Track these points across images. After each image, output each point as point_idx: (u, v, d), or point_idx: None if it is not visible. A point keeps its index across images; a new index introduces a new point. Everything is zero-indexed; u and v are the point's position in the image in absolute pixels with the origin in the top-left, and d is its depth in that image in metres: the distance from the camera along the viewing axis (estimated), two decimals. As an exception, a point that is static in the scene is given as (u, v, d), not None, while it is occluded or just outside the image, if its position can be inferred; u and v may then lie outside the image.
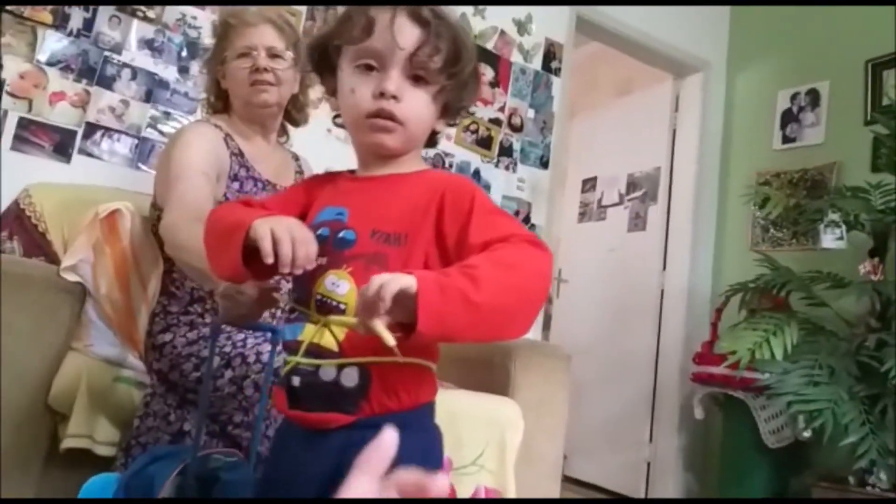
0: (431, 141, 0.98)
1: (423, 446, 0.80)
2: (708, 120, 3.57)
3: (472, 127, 2.92)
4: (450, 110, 0.93)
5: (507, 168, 3.02)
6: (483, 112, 2.95)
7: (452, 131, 2.84)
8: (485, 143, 2.96)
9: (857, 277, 2.51)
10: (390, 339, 0.67)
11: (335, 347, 0.81)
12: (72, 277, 1.53)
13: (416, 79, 0.86)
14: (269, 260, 0.78)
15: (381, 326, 0.67)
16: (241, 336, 1.40)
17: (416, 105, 0.87)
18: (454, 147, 2.86)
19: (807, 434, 2.40)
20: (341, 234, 0.86)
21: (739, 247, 3.36)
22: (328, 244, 0.86)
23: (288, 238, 0.78)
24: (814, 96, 3.21)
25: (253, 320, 1.05)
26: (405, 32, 0.84)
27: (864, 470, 2.30)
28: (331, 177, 0.98)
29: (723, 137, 3.61)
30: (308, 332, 0.83)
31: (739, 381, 2.66)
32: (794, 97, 3.29)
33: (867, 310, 2.57)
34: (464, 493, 1.72)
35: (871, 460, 2.23)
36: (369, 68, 0.86)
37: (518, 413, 1.90)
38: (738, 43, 3.67)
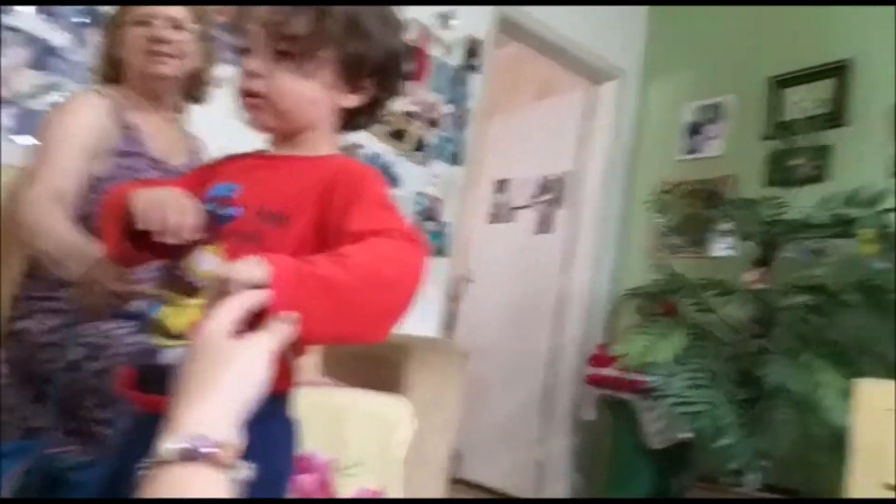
0: (355, 123, 0.94)
1: (270, 436, 0.77)
2: (619, 128, 3.66)
3: (387, 118, 2.88)
4: (354, 80, 0.88)
5: (420, 163, 3.01)
6: (398, 104, 2.92)
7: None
8: (399, 135, 2.93)
9: (743, 286, 2.63)
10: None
11: (186, 330, 0.78)
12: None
13: (283, 54, 0.84)
14: (142, 226, 0.78)
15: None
16: (110, 325, 1.32)
17: (281, 80, 0.84)
18: (366, 138, 2.82)
19: (687, 435, 2.50)
20: (225, 210, 0.84)
21: (639, 252, 3.47)
22: (212, 218, 0.84)
23: (166, 205, 0.78)
24: (718, 110, 3.35)
25: (106, 313, 1.00)
26: (258, 9, 0.84)
27: (739, 471, 2.42)
28: (239, 156, 0.96)
29: (632, 145, 3.71)
30: (166, 313, 0.81)
31: (629, 383, 2.75)
32: (699, 109, 3.42)
33: (751, 317, 2.70)
34: (346, 494, 1.70)
35: (745, 462, 2.35)
36: (245, 51, 0.86)
37: (408, 411, 1.89)
38: (652, 54, 3.77)
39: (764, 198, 2.73)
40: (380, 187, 0.84)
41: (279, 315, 0.63)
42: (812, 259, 2.61)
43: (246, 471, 0.53)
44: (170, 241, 0.80)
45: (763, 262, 2.66)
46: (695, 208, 3.07)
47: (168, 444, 0.51)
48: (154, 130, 1.54)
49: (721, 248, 2.70)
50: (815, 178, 2.83)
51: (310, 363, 2.16)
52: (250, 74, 0.84)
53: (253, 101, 0.85)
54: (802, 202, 2.62)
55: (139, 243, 0.85)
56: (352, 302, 0.67)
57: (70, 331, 1.16)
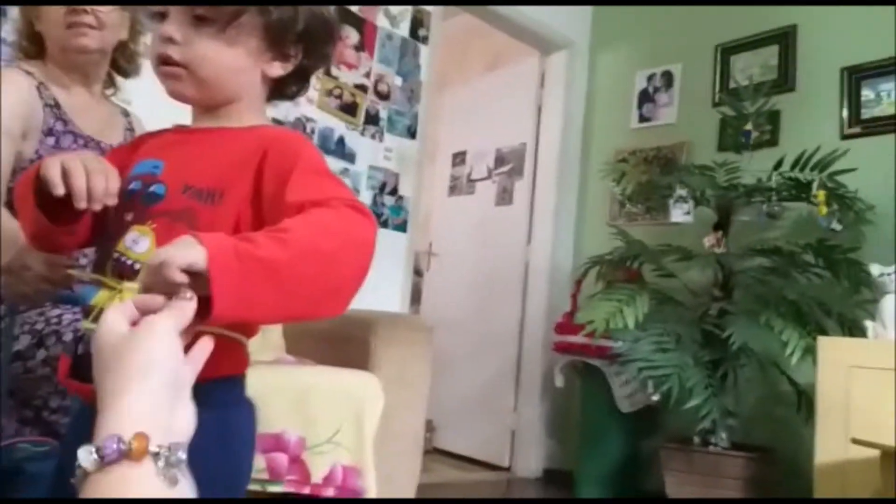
0: (283, 92, 0.89)
1: (227, 421, 0.74)
2: (571, 97, 3.66)
3: (336, 91, 2.80)
4: (280, 47, 0.83)
5: (373, 137, 2.94)
6: (348, 77, 2.84)
7: (314, 94, 2.71)
8: (350, 109, 2.85)
9: (702, 250, 2.66)
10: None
11: None
12: None
13: (202, 20, 0.78)
14: (58, 191, 0.73)
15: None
16: (57, 311, 1.24)
17: (200, 46, 0.78)
18: (316, 112, 2.73)
19: (655, 398, 2.53)
20: (151, 188, 0.78)
21: (599, 221, 3.49)
22: (137, 198, 0.78)
23: (81, 168, 0.73)
24: (668, 78, 3.37)
25: (41, 301, 0.93)
26: None
27: (707, 430, 2.46)
28: (160, 132, 0.89)
29: (585, 115, 3.71)
30: (101, 297, 0.74)
31: (596, 349, 2.77)
32: (650, 78, 3.44)
33: (711, 281, 2.74)
34: (319, 471, 1.65)
35: (713, 421, 2.39)
36: (161, 16, 0.80)
37: (377, 387, 1.85)
38: (600, 23, 3.77)
39: (718, 163, 2.76)
40: (315, 154, 0.79)
41: (180, 293, 0.59)
42: (768, 222, 2.66)
43: (177, 455, 0.50)
44: (93, 207, 0.75)
45: (720, 226, 2.69)
46: (650, 175, 3.09)
47: (82, 454, 0.49)
48: (82, 107, 1.45)
49: (679, 214, 2.71)
50: (767, 143, 2.88)
51: (271, 342, 2.09)
52: (166, 41, 0.78)
53: (170, 69, 0.79)
54: (756, 167, 2.66)
55: (56, 218, 0.79)
56: (294, 279, 0.63)
57: (13, 318, 1.07)
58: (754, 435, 2.63)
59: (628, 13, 3.65)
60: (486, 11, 3.39)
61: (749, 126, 2.74)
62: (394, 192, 3.00)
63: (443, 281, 3.95)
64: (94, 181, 0.74)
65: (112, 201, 0.77)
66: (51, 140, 1.36)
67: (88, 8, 1.36)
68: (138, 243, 0.75)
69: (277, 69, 0.85)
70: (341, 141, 2.81)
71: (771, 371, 2.55)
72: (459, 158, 4.09)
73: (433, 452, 3.54)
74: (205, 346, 0.62)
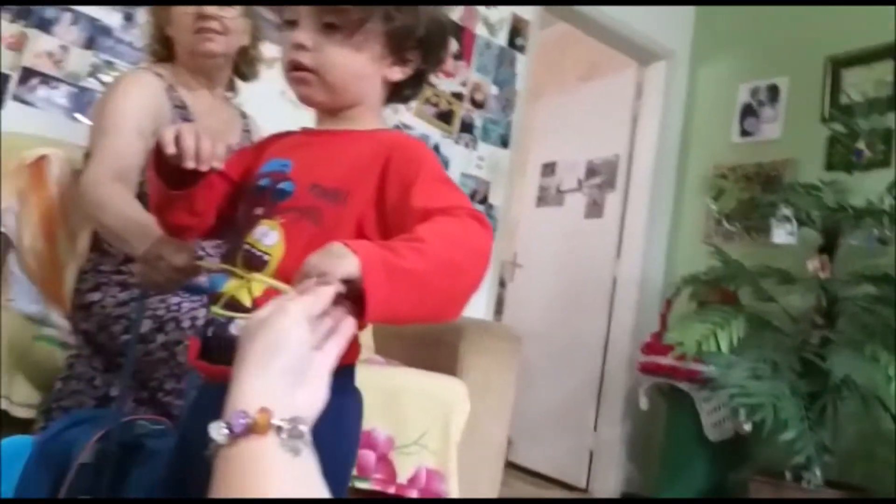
0: (400, 96, 0.93)
1: (335, 406, 0.77)
2: (669, 109, 3.57)
3: (434, 100, 2.85)
4: (400, 52, 0.86)
5: (466, 145, 2.97)
6: (445, 85, 2.88)
7: (413, 103, 2.76)
8: (445, 117, 2.89)
9: (805, 274, 2.54)
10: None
11: (249, 303, 0.78)
12: (-8, 227, 1.42)
13: (331, 27, 0.82)
14: (169, 150, 0.80)
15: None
16: (177, 299, 1.32)
17: (330, 52, 0.82)
18: (414, 119, 2.79)
19: (747, 428, 2.43)
20: (280, 185, 0.83)
21: (693, 238, 3.38)
22: (267, 194, 0.83)
23: (192, 133, 0.80)
24: (773, 91, 3.23)
25: (170, 289, 1.00)
26: None
27: (800, 466, 2.33)
28: (288, 133, 0.95)
29: (683, 128, 3.61)
30: (231, 286, 0.80)
31: (685, 372, 2.68)
32: (754, 91, 3.31)
33: (813, 307, 2.61)
34: (405, 472, 1.68)
35: (808, 456, 2.26)
36: (291, 24, 0.84)
37: (464, 394, 1.87)
38: (702, 34, 3.67)
39: (825, 183, 2.63)
40: (436, 162, 0.83)
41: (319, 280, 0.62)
42: (878, 247, 2.51)
43: (298, 428, 0.52)
44: (200, 167, 0.81)
45: (826, 249, 2.56)
46: (752, 193, 2.97)
47: (213, 429, 0.52)
48: (206, 108, 1.53)
49: (781, 234, 2.60)
50: (880, 163, 2.72)
51: (361, 342, 2.14)
52: (297, 47, 0.82)
53: (300, 74, 0.83)
54: (867, 188, 2.52)
55: (174, 183, 0.85)
56: (431, 290, 0.68)
57: (139, 304, 1.14)
58: (851, 473, 2.48)
59: (732, 23, 3.53)
60: (585, 20, 3.36)
61: (861, 145, 2.61)
62: (484, 200, 3.02)
63: (526, 292, 3.92)
64: (203, 144, 0.81)
65: (218, 165, 0.84)
66: None
67: (216, 14, 1.44)
68: (267, 236, 0.80)
69: (397, 73, 0.88)
70: (436, 148, 2.85)
71: (874, 406, 2.39)
72: (549, 169, 4.06)
73: (507, 466, 3.50)
74: (348, 328, 0.64)
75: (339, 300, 0.63)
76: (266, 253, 0.79)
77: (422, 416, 1.72)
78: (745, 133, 3.30)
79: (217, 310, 0.80)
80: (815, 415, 2.32)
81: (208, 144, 0.81)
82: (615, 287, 3.50)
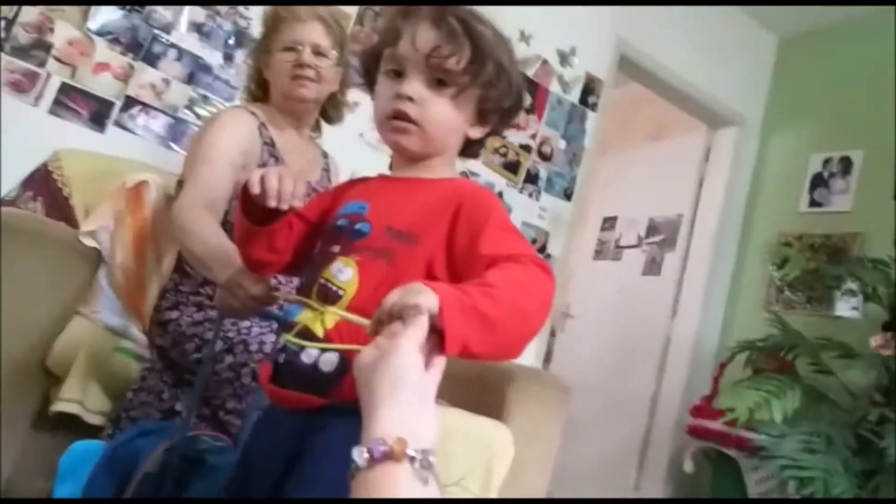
0: (471, 150, 0.99)
1: None
2: (736, 174, 3.56)
3: (502, 150, 2.94)
4: (485, 115, 0.93)
5: (530, 195, 3.03)
6: (515, 137, 2.97)
7: (482, 152, 2.85)
8: (512, 167, 2.97)
9: (868, 350, 2.48)
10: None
11: (321, 333, 0.83)
12: (90, 242, 1.55)
13: (438, 82, 0.88)
14: (255, 190, 0.87)
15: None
16: (247, 323, 1.40)
17: (434, 107, 0.88)
18: (481, 167, 2.88)
19: (795, 501, 2.36)
20: (357, 226, 0.89)
21: (752, 305, 3.33)
22: (344, 234, 0.90)
23: (275, 174, 0.87)
24: (846, 164, 3.20)
25: (246, 316, 1.07)
26: (422, 36, 0.87)
27: (851, 545, 2.25)
28: (366, 179, 1.01)
29: (749, 193, 3.59)
30: (305, 316, 0.86)
31: (735, 439, 2.63)
32: (826, 162, 3.28)
33: (873, 383, 2.53)
34: (444, 511, 1.70)
35: (859, 536, 2.19)
36: (396, 74, 0.90)
37: (509, 439, 1.88)
38: (776, 102, 3.66)
39: (894, 259, 2.57)
40: (504, 211, 0.87)
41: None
42: (945, 329, 2.43)
43: (429, 459, 0.56)
44: (281, 206, 0.89)
45: (891, 326, 2.49)
46: (817, 263, 2.92)
47: (355, 454, 0.56)
48: (293, 147, 1.63)
49: (845, 308, 2.55)
50: (953, 245, 2.65)
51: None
52: (405, 98, 0.88)
53: (403, 124, 0.88)
54: (938, 268, 2.46)
55: (257, 220, 0.93)
56: (499, 330, 0.70)
57: (216, 325, 1.23)
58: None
59: (807, 93, 3.52)
60: (657, 82, 3.42)
61: (936, 224, 2.55)
62: (542, 249, 3.06)
63: (576, 343, 3.91)
64: (285, 185, 0.88)
65: (298, 203, 0.91)
66: None
67: (312, 63, 1.55)
68: (343, 272, 0.85)
69: (478, 132, 0.95)
70: (500, 196, 2.93)
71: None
72: (609, 223, 4.08)
73: (547, 518, 3.47)
74: (441, 361, 0.67)
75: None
76: (341, 288, 0.84)
77: (465, 458, 1.74)
78: (813, 203, 3.27)
79: (290, 338, 0.86)
80: (869, 493, 2.25)
81: (290, 186, 0.88)
82: (668, 346, 3.47)
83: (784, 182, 3.45)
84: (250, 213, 0.93)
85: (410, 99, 0.87)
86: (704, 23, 3.52)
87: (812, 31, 3.60)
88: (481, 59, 0.88)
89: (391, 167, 0.98)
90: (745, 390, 2.48)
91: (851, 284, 2.55)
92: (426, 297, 0.65)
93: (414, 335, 0.63)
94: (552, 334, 3.78)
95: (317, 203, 1.02)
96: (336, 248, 0.88)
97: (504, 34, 0.93)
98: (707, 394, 2.99)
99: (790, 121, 3.57)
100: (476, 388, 2.09)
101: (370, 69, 0.96)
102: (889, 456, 2.14)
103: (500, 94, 0.92)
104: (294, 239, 0.98)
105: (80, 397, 1.48)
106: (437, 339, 0.65)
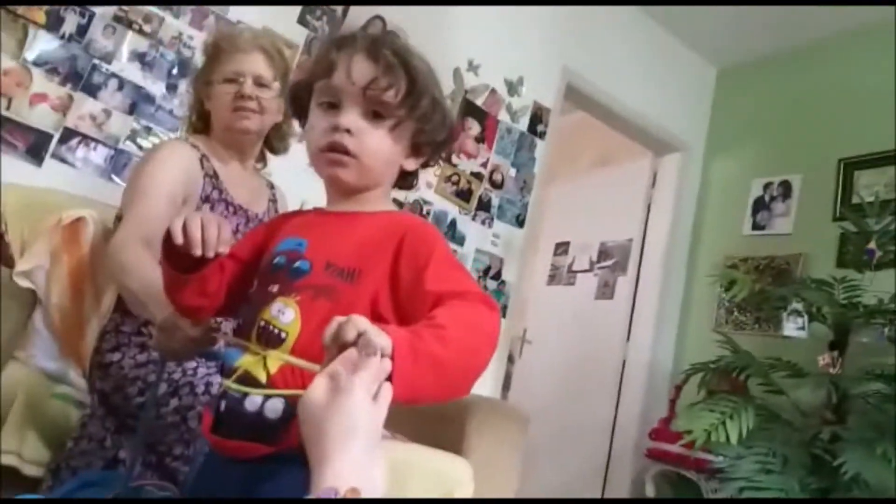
0: (406, 182, 0.98)
1: None
2: (682, 199, 3.65)
3: (454, 178, 2.94)
4: (420, 148, 0.94)
5: (483, 222, 3.03)
6: (466, 165, 2.98)
7: (433, 179, 2.85)
8: (464, 195, 2.97)
9: (816, 369, 2.54)
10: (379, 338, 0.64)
11: (264, 379, 0.80)
12: (24, 283, 1.47)
13: (375, 114, 0.87)
14: (178, 240, 0.83)
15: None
16: (193, 364, 1.35)
17: (372, 139, 0.87)
18: (433, 196, 2.87)
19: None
20: (296, 264, 0.86)
21: (703, 326, 3.39)
22: (283, 273, 0.87)
23: (198, 221, 0.83)
24: (786, 187, 3.31)
25: (186, 358, 1.03)
26: (358, 68, 0.87)
27: (808, 565, 2.28)
28: (300, 212, 1.00)
29: (695, 217, 3.69)
30: (246, 361, 0.82)
31: (694, 461, 2.65)
32: (766, 186, 3.39)
33: (823, 402, 2.59)
34: (404, 551, 1.65)
35: (817, 555, 2.21)
36: (331, 106, 0.89)
37: (469, 472, 1.85)
38: (717, 129, 3.79)
39: (836, 279, 2.65)
40: (446, 246, 0.86)
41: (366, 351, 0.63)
42: (888, 346, 2.51)
43: None
44: (207, 254, 0.84)
45: (836, 345, 2.57)
46: (763, 284, 3.00)
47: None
48: (237, 179, 1.59)
49: (792, 328, 2.61)
50: (891, 263, 2.74)
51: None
52: (342, 130, 0.86)
53: (339, 157, 0.87)
54: (878, 287, 2.54)
55: (182, 268, 0.88)
56: (450, 372, 0.69)
57: (159, 367, 1.17)
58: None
59: (747, 120, 3.65)
60: (602, 110, 3.49)
61: (872, 244, 2.64)
62: (497, 276, 3.06)
63: (534, 369, 3.91)
64: (209, 232, 0.84)
65: (224, 250, 0.86)
66: (206, 206, 1.49)
67: (254, 94, 1.52)
68: (284, 313, 0.82)
69: (412, 164, 0.95)
70: (453, 224, 2.92)
71: (885, 506, 2.35)
72: (562, 249, 4.12)
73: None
74: (387, 393, 0.65)
75: None
76: (283, 330, 0.81)
77: (423, 494, 1.71)
78: (756, 226, 3.37)
79: (231, 384, 0.82)
80: (826, 513, 2.28)
81: (214, 231, 0.84)
82: (624, 369, 3.50)
83: (728, 206, 3.55)
84: (175, 261, 0.88)
85: (348, 131, 0.86)
86: (647, 54, 3.62)
87: (748, 62, 3.75)
88: (417, 92, 0.88)
89: (328, 201, 0.95)
90: (701, 412, 2.50)
91: (797, 305, 2.61)
92: (384, 339, 0.63)
93: (368, 379, 0.61)
94: (510, 360, 3.78)
95: (249, 240, 0.99)
96: (275, 288, 0.85)
97: (434, 69, 0.93)
98: (664, 416, 3.01)
99: (731, 147, 3.69)
100: (434, 422, 2.06)
101: (301, 100, 0.95)
102: (843, 473, 2.18)
103: (435, 127, 0.92)
104: (227, 280, 0.95)
105: (16, 448, 1.39)
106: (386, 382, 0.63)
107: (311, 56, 2.54)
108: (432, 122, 0.91)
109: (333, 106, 0.88)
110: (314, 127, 0.90)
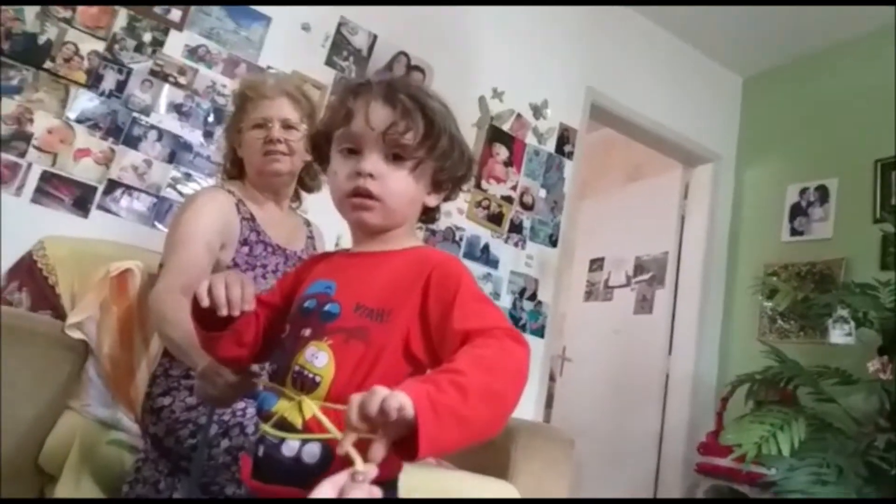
0: (429, 217, 1.01)
1: None
2: (717, 209, 3.61)
3: (485, 203, 2.97)
4: (440, 184, 0.96)
5: (516, 244, 3.05)
6: (496, 189, 3.00)
7: (465, 206, 2.88)
8: (496, 219, 2.99)
9: (866, 375, 2.47)
10: (365, 467, 0.64)
11: (299, 423, 0.81)
12: (76, 335, 1.53)
13: (395, 157, 0.89)
14: (204, 303, 0.85)
15: (354, 452, 0.64)
16: (242, 405, 1.38)
17: (394, 181, 0.89)
18: (465, 221, 2.90)
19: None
20: (326, 307, 0.87)
21: (746, 336, 3.33)
22: (314, 316, 0.88)
23: (222, 283, 0.85)
24: (823, 192, 3.26)
25: (226, 404, 1.05)
26: (376, 114, 0.89)
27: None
28: (327, 255, 1.01)
29: (731, 227, 3.64)
30: (282, 406, 0.83)
31: (745, 475, 2.59)
32: (802, 192, 3.34)
33: (876, 409, 2.52)
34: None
35: (880, 568, 2.14)
36: (351, 152, 0.91)
37: (517, 497, 1.85)
38: (747, 138, 3.75)
39: (881, 282, 2.59)
40: (471, 279, 0.86)
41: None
42: (940, 347, 2.44)
43: None
44: (232, 313, 0.86)
45: (886, 350, 2.50)
46: (805, 291, 2.94)
47: None
48: (273, 220, 1.63)
49: (838, 335, 2.56)
50: (938, 262, 2.68)
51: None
52: (365, 175, 0.88)
53: (364, 201, 0.89)
54: (926, 286, 2.48)
55: (211, 327, 0.90)
56: (474, 421, 0.68)
57: (209, 409, 1.20)
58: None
59: (777, 127, 3.61)
60: (629, 126, 3.49)
61: (918, 243, 2.58)
62: (533, 297, 3.07)
63: (576, 387, 3.88)
64: (233, 292, 0.85)
65: (249, 308, 0.87)
66: (245, 249, 1.54)
67: (283, 137, 1.57)
68: (318, 357, 0.83)
69: (434, 201, 0.97)
70: (486, 248, 2.94)
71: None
72: (597, 265, 4.10)
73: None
74: (378, 453, 0.64)
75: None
76: (318, 374, 0.82)
77: (474, 522, 1.71)
78: (795, 232, 3.31)
79: (268, 429, 0.83)
80: (886, 525, 2.21)
81: (237, 291, 0.86)
82: (668, 383, 3.45)
83: (764, 214, 3.50)
84: (206, 322, 0.91)
85: (370, 175, 0.88)
86: (670, 67, 3.62)
87: (773, 68, 3.72)
88: (435, 132, 0.90)
89: (353, 242, 0.97)
90: (750, 425, 2.44)
91: (842, 311, 2.56)
92: (398, 401, 0.61)
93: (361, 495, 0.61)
94: (551, 378, 3.75)
95: (279, 286, 1.01)
96: (307, 332, 0.86)
97: (449, 106, 0.95)
98: (712, 430, 2.96)
99: (763, 154, 3.64)
100: (480, 448, 2.05)
101: (321, 148, 0.98)
102: (901, 482, 2.12)
103: (454, 163, 0.94)
104: (261, 328, 0.97)
105: (74, 495, 1.43)
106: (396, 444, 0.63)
107: (329, 103, 2.60)
108: (451, 158, 0.93)
109: (354, 151, 0.90)
110: (337, 173, 0.92)
